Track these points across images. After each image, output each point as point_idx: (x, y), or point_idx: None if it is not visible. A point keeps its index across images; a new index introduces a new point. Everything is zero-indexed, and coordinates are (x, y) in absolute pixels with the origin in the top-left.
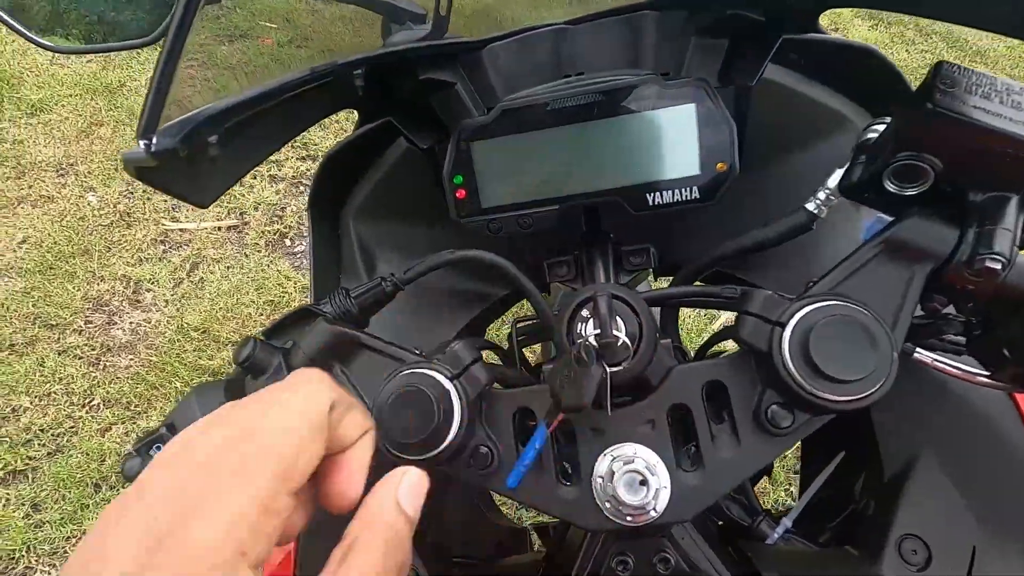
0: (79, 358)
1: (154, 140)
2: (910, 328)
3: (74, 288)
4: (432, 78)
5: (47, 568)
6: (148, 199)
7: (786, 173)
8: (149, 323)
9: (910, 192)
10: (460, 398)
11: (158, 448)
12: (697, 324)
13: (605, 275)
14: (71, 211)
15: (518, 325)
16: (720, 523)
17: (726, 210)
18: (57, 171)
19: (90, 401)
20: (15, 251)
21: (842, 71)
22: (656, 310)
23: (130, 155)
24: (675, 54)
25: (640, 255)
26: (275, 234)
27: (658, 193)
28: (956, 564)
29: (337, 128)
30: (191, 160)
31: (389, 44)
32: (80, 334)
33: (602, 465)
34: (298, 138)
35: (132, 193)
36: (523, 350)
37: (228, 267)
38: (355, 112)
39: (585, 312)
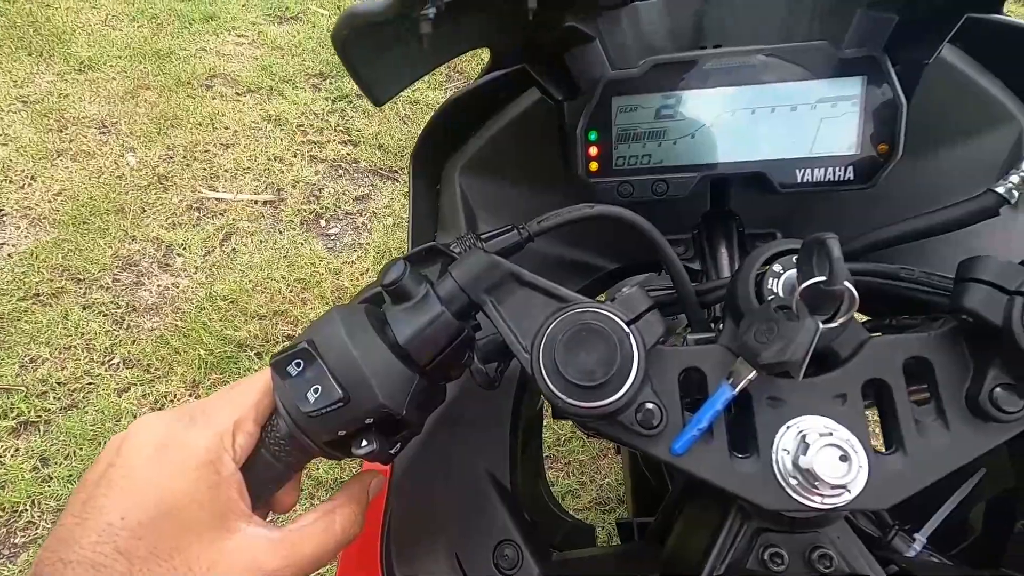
0: (104, 315)
1: None
2: None
3: (105, 244)
4: (576, 27)
5: (50, 524)
6: (188, 165)
7: (942, 165)
8: (177, 288)
9: None
10: (638, 345)
11: (297, 365)
12: None
13: (729, 258)
14: (109, 169)
15: (649, 292)
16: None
17: (869, 201)
18: (100, 128)
19: (110, 359)
20: (50, 202)
21: (1016, 61)
22: None
23: (357, 9)
24: (836, 27)
25: (765, 240)
26: (311, 213)
27: (809, 170)
28: None
29: (381, 117)
30: (405, 28)
31: None
32: (107, 291)
33: (787, 438)
34: (341, 123)
35: (172, 158)
36: None
37: (261, 241)
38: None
39: (777, 267)
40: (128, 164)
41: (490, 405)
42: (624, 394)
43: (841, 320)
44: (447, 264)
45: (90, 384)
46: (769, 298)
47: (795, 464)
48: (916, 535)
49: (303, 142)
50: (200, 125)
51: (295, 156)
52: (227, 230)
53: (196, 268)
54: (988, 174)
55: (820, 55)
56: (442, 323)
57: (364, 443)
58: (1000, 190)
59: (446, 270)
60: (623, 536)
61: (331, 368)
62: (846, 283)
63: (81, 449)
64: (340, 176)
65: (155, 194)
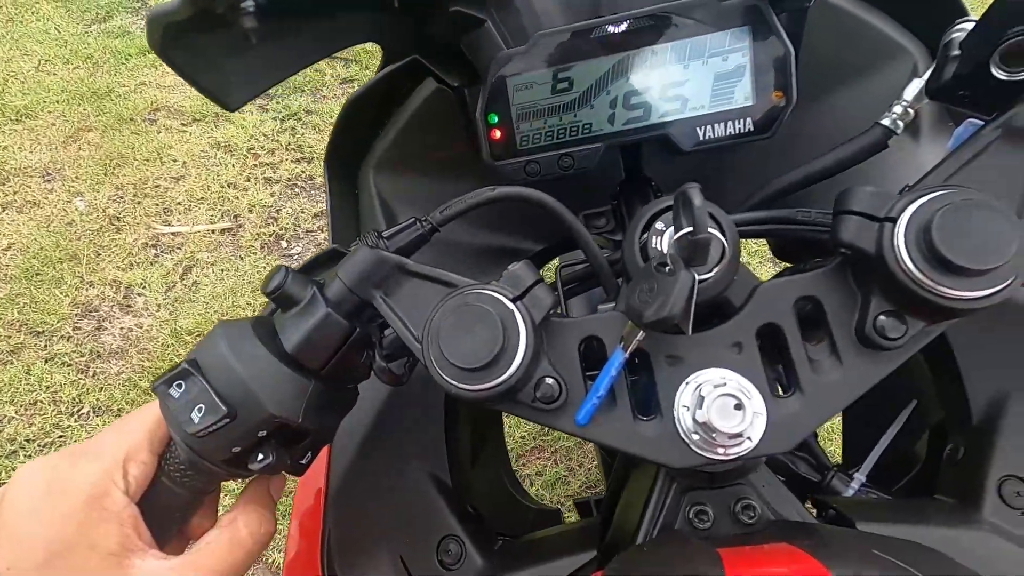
0: (67, 365)
1: None
2: None
3: (62, 294)
4: (461, 11)
5: None
6: (139, 203)
7: (840, 106)
8: (141, 328)
9: (1022, 76)
10: (524, 321)
11: (179, 386)
12: None
13: None
14: (58, 216)
15: (563, 268)
16: (784, 480)
17: (776, 148)
18: (43, 177)
19: (79, 410)
20: None
21: None
22: None
23: (159, 9)
24: None
25: None
26: (271, 236)
27: (710, 127)
28: None
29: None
30: (225, 29)
31: None
32: (68, 340)
33: (686, 394)
34: (292, 141)
35: (122, 198)
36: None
37: (223, 270)
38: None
39: (660, 224)
40: (77, 209)
41: (423, 405)
42: (514, 372)
43: (717, 269)
44: None
45: (61, 437)
46: (654, 255)
47: (694, 419)
48: (855, 475)
49: (255, 165)
50: (148, 161)
51: (248, 180)
52: (186, 263)
53: (158, 306)
54: (886, 109)
55: (702, 10)
56: (330, 325)
57: (260, 457)
58: (886, 122)
59: (334, 273)
60: (582, 514)
61: (213, 385)
62: (712, 231)
63: None
64: (297, 195)
65: (108, 236)
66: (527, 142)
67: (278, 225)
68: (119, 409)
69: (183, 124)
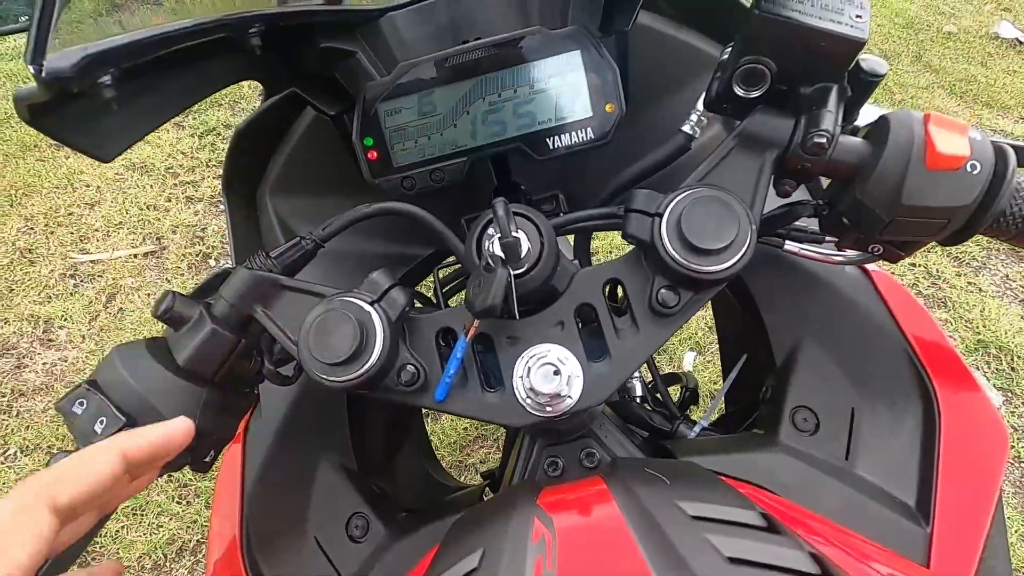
0: None
1: (45, 64)
2: (774, 218)
3: None
4: (333, 46)
5: None
6: (51, 232)
7: (668, 111)
8: (65, 361)
9: (754, 94)
10: (381, 319)
11: (80, 404)
12: None
13: None
14: None
15: (439, 269)
16: (647, 434)
17: (620, 150)
18: None
19: (5, 451)
20: None
21: (703, 13)
22: (568, 244)
23: (22, 92)
24: (559, 9)
25: (550, 202)
26: (197, 255)
27: (557, 137)
28: (840, 425)
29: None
30: (88, 99)
31: (284, 6)
32: None
33: (520, 366)
34: (212, 157)
35: (32, 228)
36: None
37: (149, 294)
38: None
39: (492, 230)
40: None
41: (328, 403)
42: (374, 362)
43: (534, 264)
44: None
45: None
46: (483, 257)
47: (524, 387)
48: (700, 421)
49: (175, 184)
50: (58, 188)
51: (169, 200)
52: (109, 291)
53: (83, 337)
54: None
55: (539, 37)
56: (216, 338)
57: None
58: (686, 128)
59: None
60: (493, 487)
61: (112, 400)
62: (518, 234)
63: None
64: (222, 212)
65: (20, 270)
66: (401, 160)
67: (204, 244)
68: (48, 446)
69: None
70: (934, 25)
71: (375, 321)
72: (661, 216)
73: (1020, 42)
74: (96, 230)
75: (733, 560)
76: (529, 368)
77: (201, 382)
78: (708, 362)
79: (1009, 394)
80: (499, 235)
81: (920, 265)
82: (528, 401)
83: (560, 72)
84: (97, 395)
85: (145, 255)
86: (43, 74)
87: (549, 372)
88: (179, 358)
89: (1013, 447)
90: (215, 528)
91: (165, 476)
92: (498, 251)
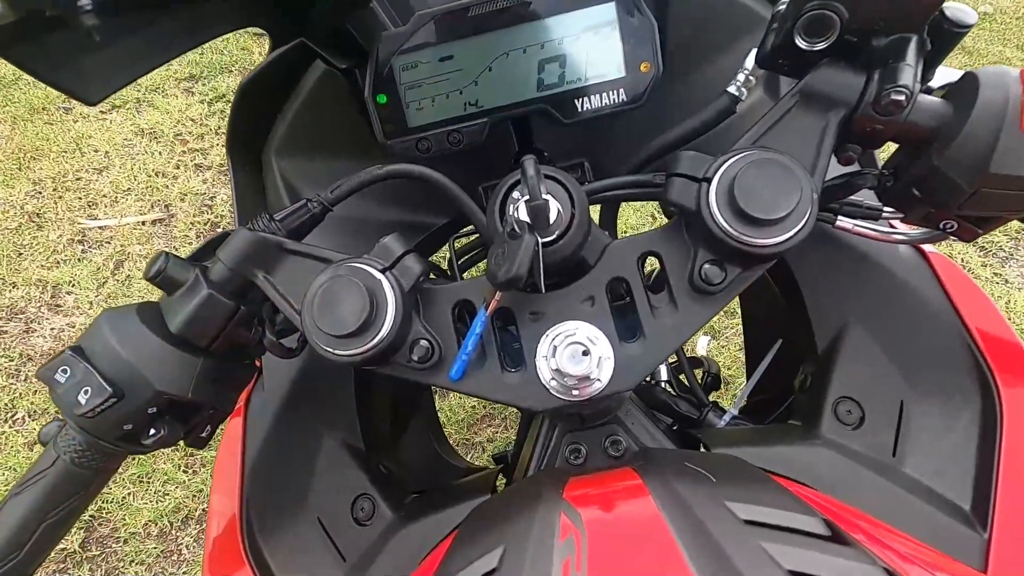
0: None
1: None
2: (830, 190)
3: None
4: None
5: None
6: (60, 197)
7: (709, 74)
8: (73, 327)
9: (820, 46)
10: (393, 289)
11: (64, 372)
12: None
13: None
14: None
15: (456, 239)
16: (672, 422)
17: (654, 116)
18: None
19: (12, 415)
20: None
21: None
22: (595, 211)
23: None
24: None
25: (575, 170)
26: (205, 224)
27: (587, 98)
28: (887, 419)
29: None
30: (68, 30)
31: None
32: None
33: (544, 345)
34: (222, 124)
35: (40, 192)
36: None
37: None
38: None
39: (516, 194)
40: None
41: (334, 377)
42: (385, 335)
43: (563, 231)
44: None
45: None
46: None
47: (550, 367)
48: (729, 410)
49: (184, 152)
50: (66, 152)
51: (179, 168)
52: (117, 258)
53: (90, 303)
54: None
55: None
56: (213, 304)
57: (152, 432)
58: (732, 89)
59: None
60: (507, 472)
61: (98, 368)
62: (547, 196)
63: None
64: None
65: (29, 234)
66: (416, 120)
67: (213, 212)
68: (56, 411)
69: (102, 111)
70: (970, 4)
71: (386, 290)
72: (710, 181)
73: None
74: (104, 196)
75: (795, 574)
76: (555, 347)
77: (195, 351)
78: (723, 347)
79: None
80: (527, 198)
81: (943, 253)
82: (553, 383)
83: (592, 26)
84: (82, 363)
85: (153, 222)
86: None
87: (578, 352)
88: (172, 324)
89: None
90: (214, 506)
91: (171, 447)
92: (524, 216)
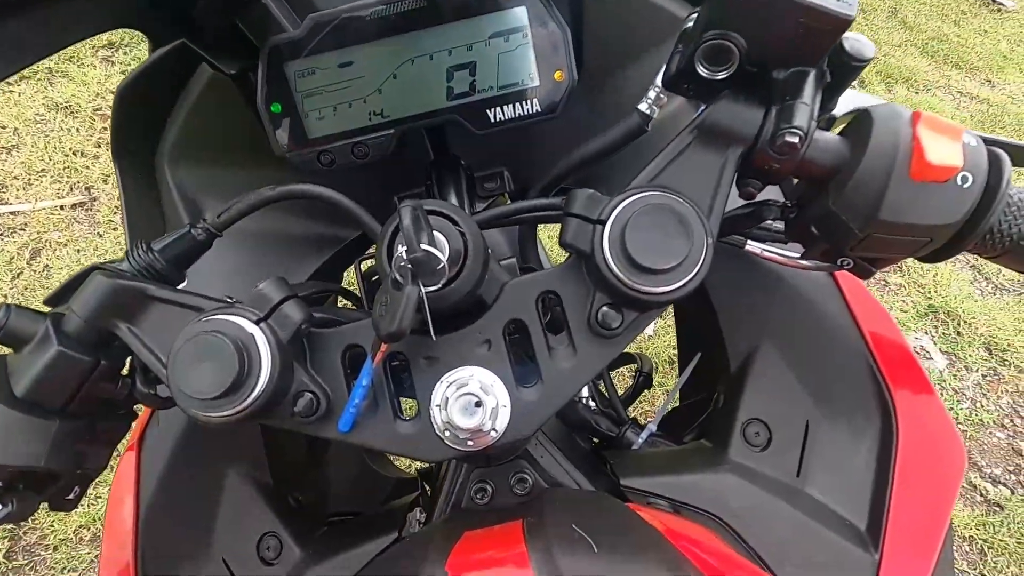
0: None
1: None
2: (736, 219)
3: None
4: None
5: None
6: None
7: (628, 82)
8: None
9: (720, 75)
10: (268, 342)
11: None
12: None
13: (459, 203)
14: None
15: (362, 261)
16: (595, 440)
17: (574, 125)
18: None
19: None
20: None
21: None
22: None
23: None
24: None
25: (494, 179)
26: None
27: (499, 108)
28: (793, 441)
29: None
30: None
31: None
32: None
33: (437, 394)
34: None
35: None
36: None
37: (78, 250)
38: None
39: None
40: None
41: None
42: (259, 394)
43: (446, 280)
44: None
45: None
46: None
47: (443, 419)
48: (648, 425)
49: (105, 128)
50: None
51: (99, 146)
52: (33, 246)
53: (5, 297)
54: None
55: None
56: (65, 362)
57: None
58: (643, 107)
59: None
60: (425, 483)
61: None
62: (425, 247)
63: None
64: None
65: None
66: (316, 131)
67: None
68: None
69: (8, 84)
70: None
71: (260, 344)
72: (604, 224)
73: (993, 1)
74: (15, 178)
75: None
76: (447, 398)
77: (48, 415)
78: (669, 326)
79: (953, 358)
80: (406, 249)
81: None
82: (447, 433)
83: (502, 32)
84: None
85: (73, 207)
86: None
87: (470, 403)
88: (16, 387)
89: (952, 410)
90: (106, 553)
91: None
92: (394, 264)
